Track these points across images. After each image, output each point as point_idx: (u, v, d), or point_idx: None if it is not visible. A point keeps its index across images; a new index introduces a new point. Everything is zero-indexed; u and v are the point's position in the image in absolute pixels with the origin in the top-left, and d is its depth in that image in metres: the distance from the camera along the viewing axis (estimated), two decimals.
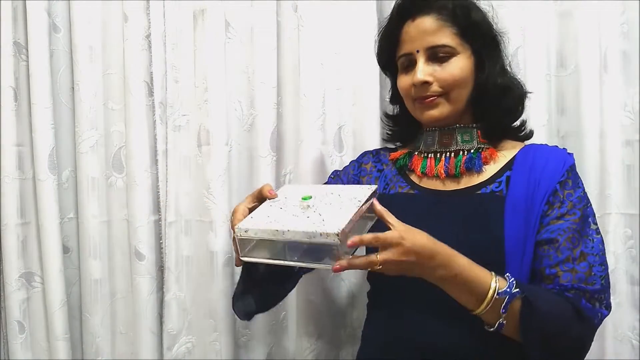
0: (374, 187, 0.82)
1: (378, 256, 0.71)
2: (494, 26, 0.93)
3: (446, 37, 0.88)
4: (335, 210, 0.74)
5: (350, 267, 0.70)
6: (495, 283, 0.75)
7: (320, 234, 0.67)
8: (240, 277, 0.98)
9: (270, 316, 1.29)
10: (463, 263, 0.76)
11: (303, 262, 0.74)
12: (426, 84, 0.88)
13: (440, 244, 0.76)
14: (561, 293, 0.79)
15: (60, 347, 1.22)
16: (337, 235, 0.66)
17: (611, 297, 1.13)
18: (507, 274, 0.78)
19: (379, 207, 0.76)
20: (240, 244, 0.76)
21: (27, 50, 1.21)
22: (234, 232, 0.76)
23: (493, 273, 0.77)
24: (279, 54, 1.26)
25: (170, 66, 1.24)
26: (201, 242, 1.26)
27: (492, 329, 0.77)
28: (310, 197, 0.78)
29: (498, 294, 0.75)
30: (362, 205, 0.75)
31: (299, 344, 1.28)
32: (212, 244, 1.24)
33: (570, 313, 0.78)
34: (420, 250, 0.73)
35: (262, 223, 0.74)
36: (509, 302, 0.75)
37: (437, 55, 0.89)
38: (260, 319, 1.28)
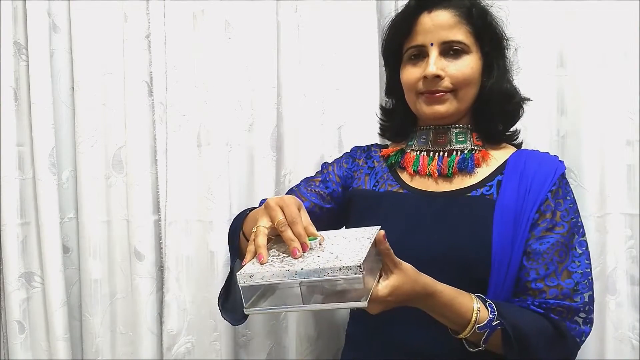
0: (377, 227, 0.75)
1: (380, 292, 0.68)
2: (504, 33, 0.94)
3: (461, 34, 0.88)
4: (345, 248, 0.68)
5: None
6: (476, 315, 0.75)
7: (340, 269, 0.61)
8: (228, 276, 0.95)
9: (270, 316, 1.29)
10: (445, 296, 0.74)
11: (327, 303, 0.66)
12: (438, 77, 0.87)
13: (424, 281, 0.73)
14: (547, 315, 0.80)
15: (60, 347, 1.22)
16: (360, 267, 0.60)
17: (611, 297, 1.14)
18: (489, 300, 0.77)
19: (385, 246, 0.69)
20: (244, 292, 0.67)
21: (27, 50, 1.21)
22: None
23: (475, 303, 0.76)
24: (279, 54, 1.26)
25: (170, 66, 1.24)
26: (201, 242, 1.26)
27: (473, 350, 0.78)
28: (316, 238, 0.71)
29: (478, 328, 0.75)
30: (373, 242, 0.69)
31: (299, 344, 1.28)
32: (212, 244, 1.24)
33: (553, 338, 0.79)
34: (407, 298, 0.72)
35: (268, 267, 0.66)
36: (490, 335, 0.76)
37: (450, 51, 0.88)
38: (260, 318, 1.28)
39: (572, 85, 1.19)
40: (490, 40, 0.91)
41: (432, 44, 0.88)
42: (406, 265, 0.70)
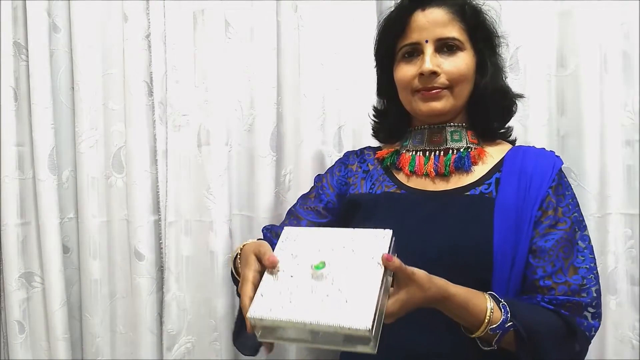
0: (389, 233, 0.71)
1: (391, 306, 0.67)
2: (497, 30, 0.94)
3: (456, 31, 0.88)
4: (356, 283, 0.65)
5: None
6: (489, 317, 0.74)
7: (349, 329, 0.60)
8: (239, 311, 0.94)
9: None
10: (459, 299, 0.73)
11: (335, 345, 0.65)
12: (434, 74, 0.87)
13: (437, 285, 0.71)
14: (557, 311, 0.80)
15: (60, 347, 1.22)
16: (369, 331, 0.59)
17: (611, 297, 1.14)
18: (502, 301, 0.76)
19: (394, 264, 0.66)
20: (255, 328, 0.67)
21: (27, 50, 1.21)
22: (242, 308, 0.67)
23: (488, 304, 0.75)
24: (279, 54, 1.26)
25: (170, 66, 1.24)
26: (201, 242, 1.26)
27: (486, 349, 0.77)
28: (324, 265, 0.68)
29: (490, 330, 0.74)
30: (384, 274, 0.66)
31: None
32: (212, 244, 1.24)
33: (565, 334, 0.79)
34: (426, 302, 0.71)
35: (276, 309, 0.64)
36: (502, 336, 0.75)
37: (445, 47, 0.88)
38: None
39: (572, 85, 1.19)
40: (483, 37, 0.92)
41: (427, 41, 0.88)
42: (419, 275, 0.68)
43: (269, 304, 0.65)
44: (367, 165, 1.02)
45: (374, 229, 0.72)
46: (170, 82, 1.24)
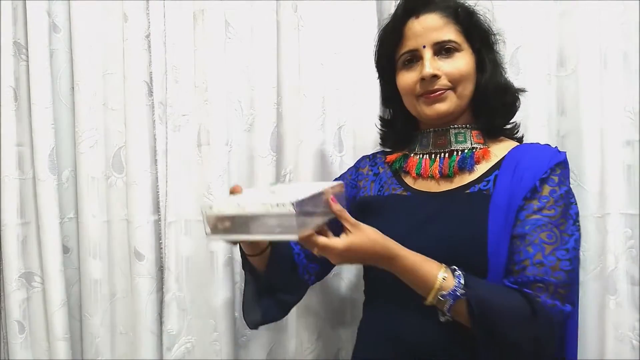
0: (341, 182, 0.88)
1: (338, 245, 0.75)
2: (492, 29, 0.96)
3: (451, 33, 0.90)
4: (296, 191, 0.77)
5: (310, 241, 0.74)
6: (440, 283, 0.77)
7: (277, 204, 0.71)
8: (247, 284, 1.02)
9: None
10: (410, 262, 0.79)
11: (268, 234, 0.76)
12: (435, 77, 0.89)
13: (386, 244, 0.79)
14: (520, 290, 0.79)
15: (60, 347, 1.22)
16: (293, 204, 0.69)
17: (611, 297, 1.14)
18: (458, 271, 0.79)
19: (336, 207, 0.78)
20: (208, 222, 0.77)
21: (27, 50, 1.21)
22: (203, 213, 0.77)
23: (442, 272, 0.78)
24: (279, 54, 1.26)
25: (170, 66, 1.24)
26: (201, 242, 1.26)
27: (442, 320, 0.80)
28: (276, 184, 0.81)
29: (441, 295, 0.77)
30: (323, 190, 0.79)
31: (299, 344, 1.28)
32: (212, 244, 1.24)
33: (524, 313, 0.77)
34: (368, 253, 0.78)
35: (225, 202, 0.77)
36: (453, 304, 0.77)
37: (443, 50, 0.90)
38: None
39: (572, 85, 1.19)
40: (479, 37, 0.93)
41: (424, 47, 0.90)
42: (366, 227, 0.77)
43: (220, 201, 0.78)
44: (378, 168, 1.05)
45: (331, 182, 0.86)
46: (170, 82, 1.25)
